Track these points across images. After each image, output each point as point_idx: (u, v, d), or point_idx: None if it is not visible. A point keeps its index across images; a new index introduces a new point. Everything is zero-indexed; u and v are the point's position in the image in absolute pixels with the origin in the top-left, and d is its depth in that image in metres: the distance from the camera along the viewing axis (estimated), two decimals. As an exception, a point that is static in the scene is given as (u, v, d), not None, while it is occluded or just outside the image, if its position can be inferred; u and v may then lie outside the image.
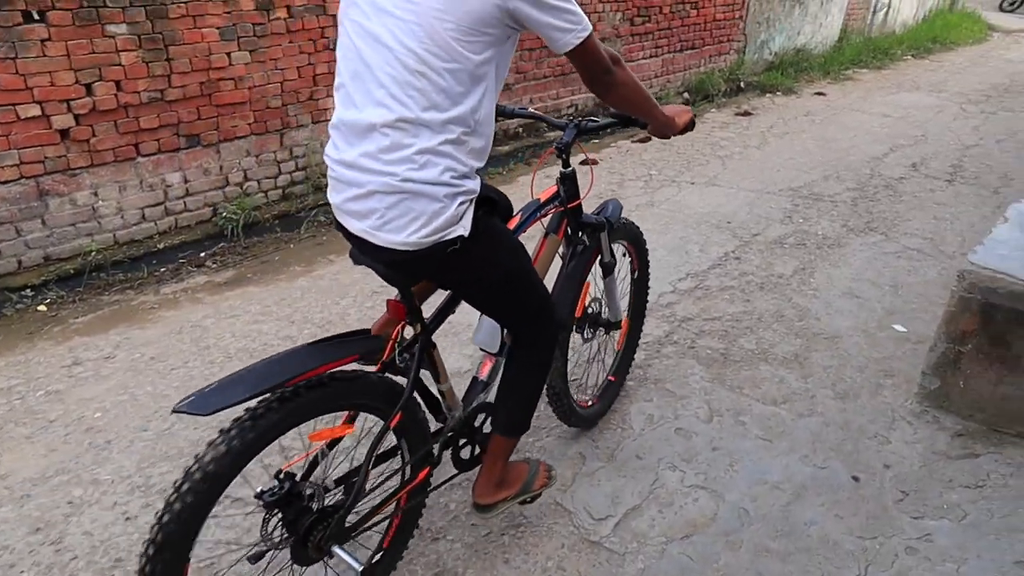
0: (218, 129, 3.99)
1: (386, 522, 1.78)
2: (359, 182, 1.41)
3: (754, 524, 2.09)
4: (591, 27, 1.45)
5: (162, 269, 3.66)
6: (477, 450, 1.95)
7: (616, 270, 2.34)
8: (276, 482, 1.48)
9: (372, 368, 1.63)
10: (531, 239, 1.88)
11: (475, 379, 1.97)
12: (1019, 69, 9.87)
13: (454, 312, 1.82)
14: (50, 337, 3.06)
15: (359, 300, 3.32)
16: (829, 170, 5.23)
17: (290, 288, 3.48)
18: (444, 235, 1.42)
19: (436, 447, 1.77)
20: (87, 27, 3.36)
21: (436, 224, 1.40)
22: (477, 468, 1.92)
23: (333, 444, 1.64)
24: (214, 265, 3.73)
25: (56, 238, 3.54)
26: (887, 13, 11.39)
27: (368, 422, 1.71)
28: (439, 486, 1.94)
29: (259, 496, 1.46)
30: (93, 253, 3.58)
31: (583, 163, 4.19)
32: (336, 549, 1.58)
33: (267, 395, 1.39)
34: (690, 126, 1.98)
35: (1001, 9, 17.54)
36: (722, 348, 2.96)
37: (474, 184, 1.47)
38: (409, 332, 1.67)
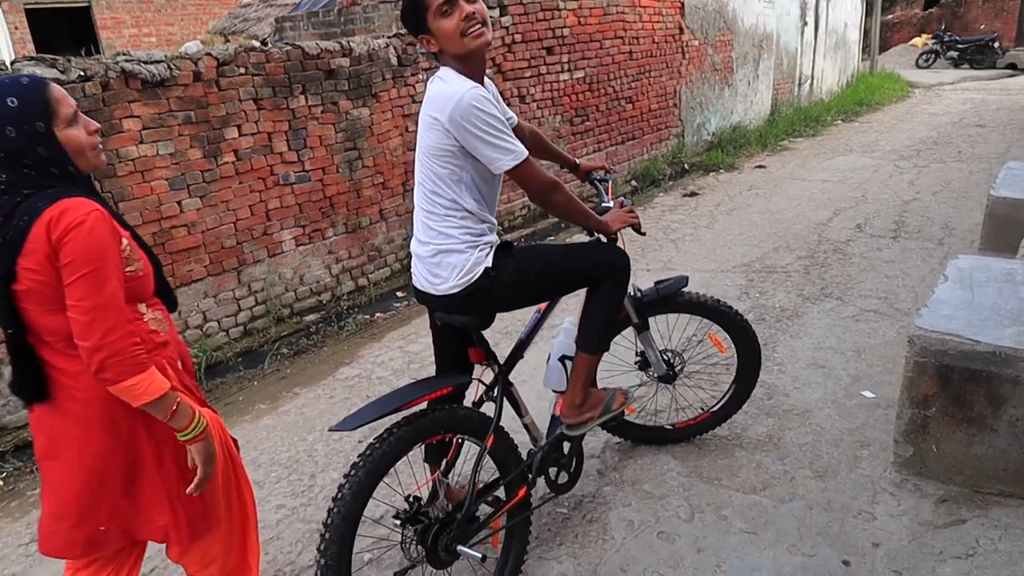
0: (173, 275, 4.01)
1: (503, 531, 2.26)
2: (417, 253, 2.09)
3: (749, 629, 2.00)
4: (526, 155, 1.94)
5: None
6: (566, 477, 2.45)
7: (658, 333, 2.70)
8: (407, 504, 2.08)
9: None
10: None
11: (554, 416, 2.44)
12: (943, 121, 10.45)
13: (523, 357, 2.32)
14: (7, 513, 2.93)
15: (325, 435, 3.26)
16: (778, 241, 5.38)
17: (255, 429, 3.40)
18: (475, 273, 2.01)
19: (530, 472, 2.27)
20: (35, 195, 3.42)
21: (467, 267, 2.00)
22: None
23: (447, 471, 2.21)
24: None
25: (12, 406, 3.46)
26: (811, 83, 12.10)
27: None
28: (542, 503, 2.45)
29: (397, 516, 2.07)
30: (50, 417, 3.49)
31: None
32: (461, 548, 2.06)
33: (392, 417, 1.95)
34: (636, 228, 2.30)
35: (917, 66, 18.77)
36: (695, 438, 2.93)
37: (490, 238, 2.07)
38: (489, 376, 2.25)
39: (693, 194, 7.15)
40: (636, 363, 2.71)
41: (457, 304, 2.05)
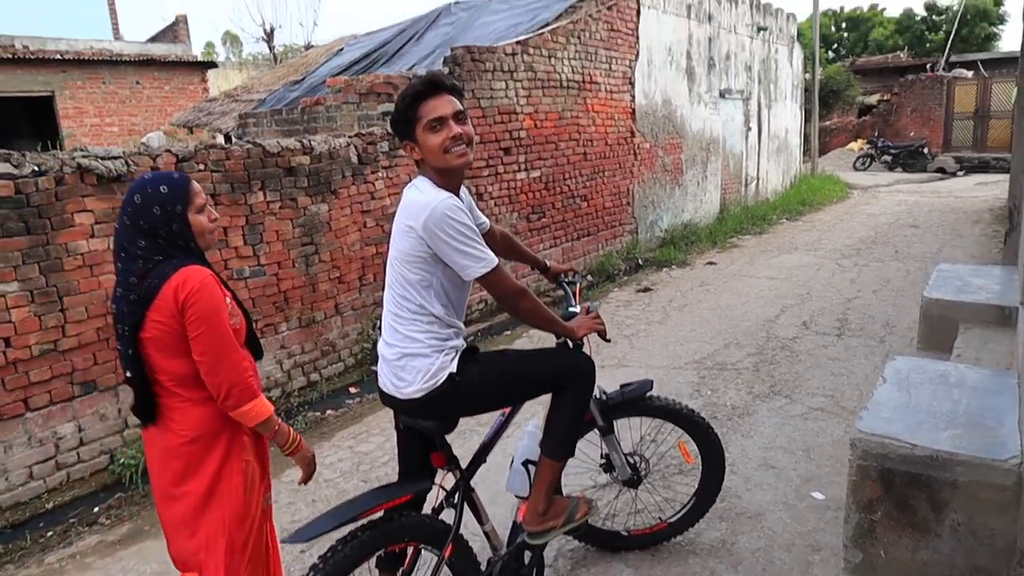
0: (116, 371, 3.88)
1: None
2: (383, 355, 2.12)
3: None
4: (495, 264, 2.01)
5: (49, 533, 3.35)
6: None
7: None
8: None
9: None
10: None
11: (515, 523, 2.40)
12: (881, 221, 11.05)
13: (485, 461, 2.30)
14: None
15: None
16: (729, 337, 5.51)
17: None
18: (439, 378, 2.03)
19: None
20: (-25, 289, 3.33)
21: (432, 371, 2.02)
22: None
23: None
24: (108, 521, 3.45)
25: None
26: (757, 184, 12.74)
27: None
28: None
29: None
30: (-32, 525, 3.26)
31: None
32: None
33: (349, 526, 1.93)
34: (601, 335, 2.34)
35: (855, 168, 19.97)
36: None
37: (456, 342, 2.10)
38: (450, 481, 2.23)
39: (647, 289, 7.32)
40: (600, 465, 2.69)
41: (420, 408, 2.06)
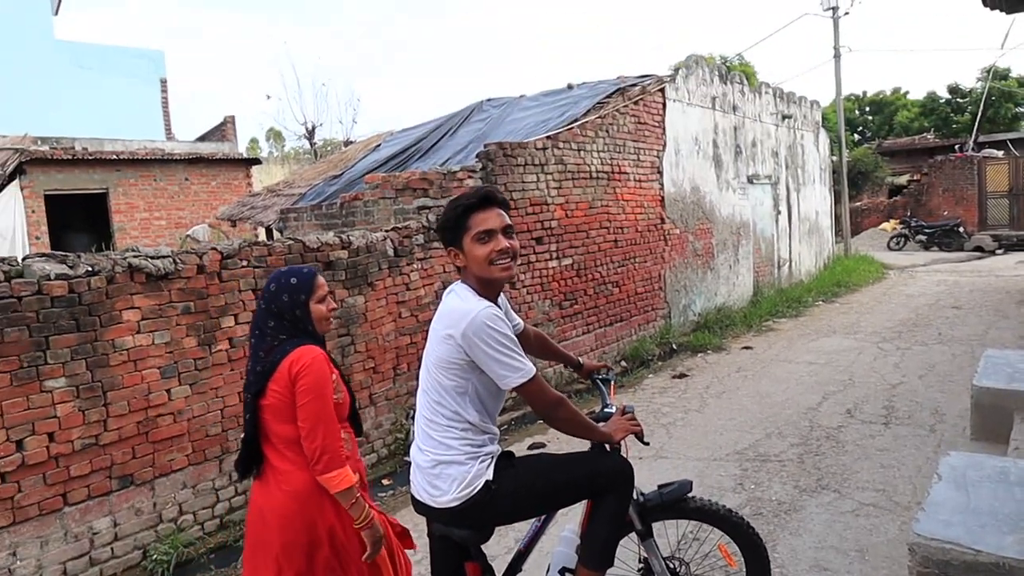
0: (153, 465, 3.91)
1: None
2: (416, 462, 2.13)
3: None
4: (533, 373, 2.02)
5: (78, 635, 3.29)
6: None
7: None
8: None
9: None
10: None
11: None
12: (920, 303, 10.83)
13: (522, 571, 2.31)
14: None
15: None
16: (770, 427, 5.35)
17: (221, 641, 3.14)
18: (476, 486, 2.02)
19: None
20: (25, 385, 3.43)
21: (467, 479, 2.02)
22: None
23: None
24: (138, 622, 3.39)
25: None
26: (790, 266, 12.68)
27: None
28: None
29: None
30: (0, 626, 3.23)
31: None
32: None
33: None
34: (639, 437, 2.30)
35: (889, 248, 19.81)
36: (697, 655, 2.72)
37: (491, 448, 2.10)
38: None
39: (682, 375, 7.21)
40: (639, 570, 2.59)
41: (456, 517, 2.03)
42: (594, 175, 7.50)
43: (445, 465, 2.01)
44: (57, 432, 3.54)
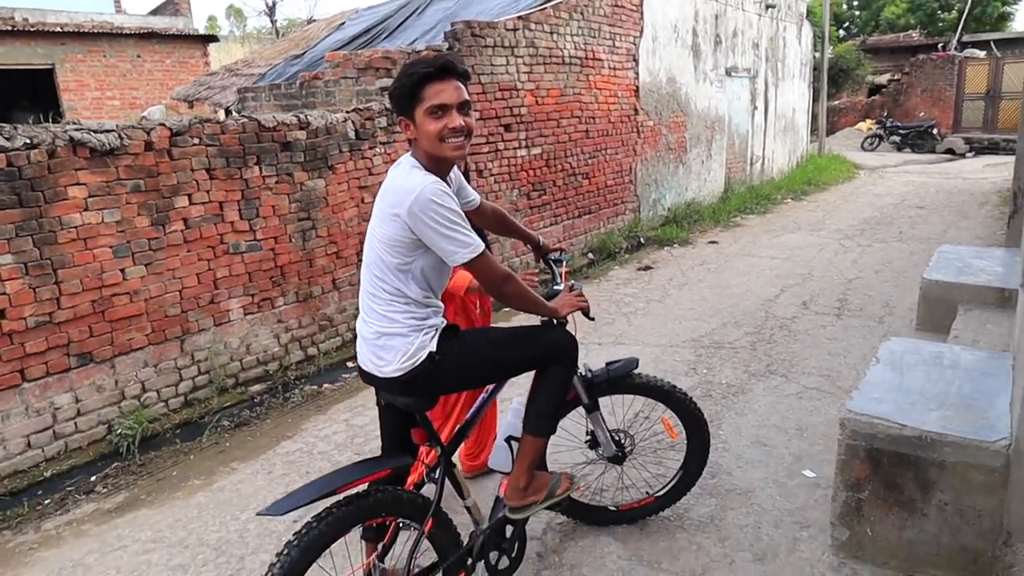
0: (112, 344, 3.90)
1: None
2: (361, 333, 2.10)
3: None
4: (481, 249, 1.96)
5: (46, 501, 3.39)
6: (507, 562, 2.39)
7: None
8: None
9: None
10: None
11: (497, 498, 2.41)
12: (886, 202, 10.95)
13: (467, 436, 2.32)
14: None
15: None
16: (727, 317, 5.49)
17: (186, 507, 3.26)
18: (419, 357, 2.02)
19: (470, 556, 2.27)
20: (-31, 261, 3.33)
21: (411, 351, 2.01)
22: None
23: (384, 555, 2.17)
24: (105, 489, 3.49)
25: None
26: (763, 163, 12.63)
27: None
28: None
29: None
30: (-35, 494, 3.30)
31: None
32: None
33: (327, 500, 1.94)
34: (585, 313, 2.32)
35: (863, 148, 19.76)
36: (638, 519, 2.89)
37: (434, 321, 2.08)
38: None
39: (647, 268, 7.30)
40: (586, 442, 2.70)
41: (400, 387, 2.05)
42: (567, 60, 7.23)
43: (388, 337, 2.01)
44: (8, 309, 3.48)
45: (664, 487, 2.85)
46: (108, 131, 3.79)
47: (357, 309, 5.27)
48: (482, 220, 2.47)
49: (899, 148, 19.56)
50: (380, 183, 5.75)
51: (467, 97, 1.98)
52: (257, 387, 4.60)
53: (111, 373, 3.93)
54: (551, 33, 6.96)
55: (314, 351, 5.06)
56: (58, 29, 12.56)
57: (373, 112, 5.36)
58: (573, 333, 2.29)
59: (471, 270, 2.00)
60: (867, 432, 2.44)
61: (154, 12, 16.39)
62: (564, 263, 2.62)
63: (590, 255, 7.80)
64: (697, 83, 9.91)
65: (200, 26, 17.55)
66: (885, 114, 20.81)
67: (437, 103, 1.91)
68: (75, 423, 3.80)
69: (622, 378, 2.54)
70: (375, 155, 5.37)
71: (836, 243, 8.05)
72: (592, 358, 4.62)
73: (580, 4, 7.30)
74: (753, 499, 3.02)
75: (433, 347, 2.03)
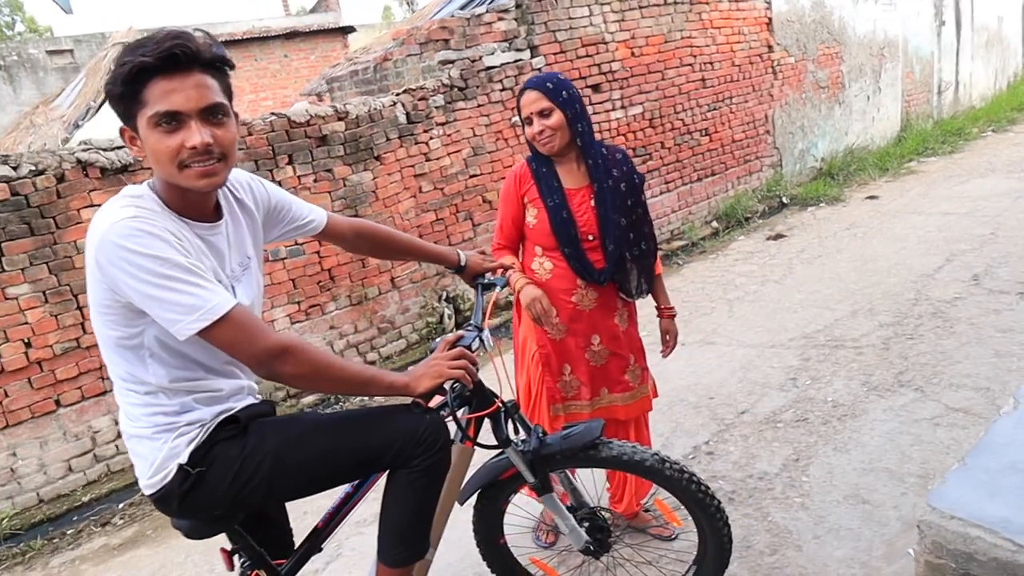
0: (145, 365, 3.83)
1: None
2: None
3: None
4: (222, 312, 1.28)
5: (69, 531, 3.38)
6: None
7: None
8: None
9: None
10: None
11: None
12: None
13: (321, 550, 1.74)
14: None
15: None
16: (861, 302, 4.32)
17: (176, 550, 3.05)
18: (168, 469, 1.43)
19: None
20: (-14, 294, 3.35)
21: (158, 461, 1.43)
22: None
23: None
24: (121, 521, 3.41)
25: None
26: (956, 90, 10.37)
27: None
28: None
29: None
30: (3, 520, 3.36)
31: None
32: None
33: None
34: (463, 382, 1.57)
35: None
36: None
37: (198, 415, 1.45)
38: None
39: (779, 236, 6.13)
40: (549, 530, 2.03)
41: (161, 506, 1.50)
42: (669, 0, 6.18)
43: (136, 440, 1.47)
44: (32, 338, 3.49)
45: None
46: (118, 148, 3.65)
47: (423, 308, 4.92)
48: (344, 244, 1.85)
49: None
50: (441, 169, 5.26)
51: (219, 98, 1.32)
52: (309, 399, 4.37)
53: (149, 394, 3.86)
54: (645, -30, 5.96)
55: (375, 356, 4.74)
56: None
57: (427, 91, 4.86)
58: (438, 416, 1.61)
59: (216, 345, 1.32)
60: (960, 549, 1.52)
61: (313, 10, 17.17)
62: (498, 288, 1.93)
63: (714, 224, 6.75)
64: (855, 3, 8.21)
65: (375, 18, 18.11)
66: None
67: (164, 110, 1.27)
68: (116, 445, 3.79)
69: (579, 450, 1.81)
70: (431, 138, 4.87)
71: (1044, 188, 6.25)
72: (667, 364, 3.77)
73: (683, -71, 6.19)
74: (825, 592, 2.16)
75: (185, 457, 1.42)
